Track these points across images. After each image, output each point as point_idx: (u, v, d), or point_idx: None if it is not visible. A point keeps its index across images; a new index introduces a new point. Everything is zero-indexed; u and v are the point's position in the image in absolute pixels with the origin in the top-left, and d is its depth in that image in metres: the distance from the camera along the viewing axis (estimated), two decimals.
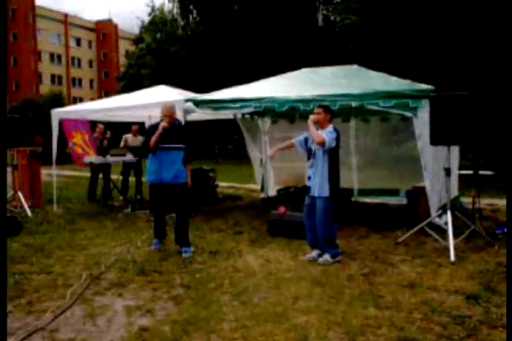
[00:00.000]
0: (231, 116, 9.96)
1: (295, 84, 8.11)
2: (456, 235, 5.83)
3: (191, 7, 31.13)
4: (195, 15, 31.39)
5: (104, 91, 60.20)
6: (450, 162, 6.32)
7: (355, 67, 8.68)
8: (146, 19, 39.14)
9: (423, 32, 14.59)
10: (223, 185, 12.38)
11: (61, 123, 9.56)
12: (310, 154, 5.65)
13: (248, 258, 5.77)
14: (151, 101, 8.69)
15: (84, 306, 4.23)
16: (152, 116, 9.78)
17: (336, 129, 5.55)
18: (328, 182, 5.46)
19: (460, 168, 8.17)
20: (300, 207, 5.97)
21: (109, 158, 9.94)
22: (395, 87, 7.08)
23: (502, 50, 12.47)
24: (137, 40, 41.46)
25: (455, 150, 7.50)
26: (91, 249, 6.28)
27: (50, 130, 9.46)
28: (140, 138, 9.93)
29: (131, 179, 10.76)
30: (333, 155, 5.50)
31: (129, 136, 10.78)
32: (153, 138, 5.79)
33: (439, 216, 6.57)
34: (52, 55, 58.80)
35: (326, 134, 5.42)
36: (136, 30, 44.33)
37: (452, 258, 5.42)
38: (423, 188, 7.07)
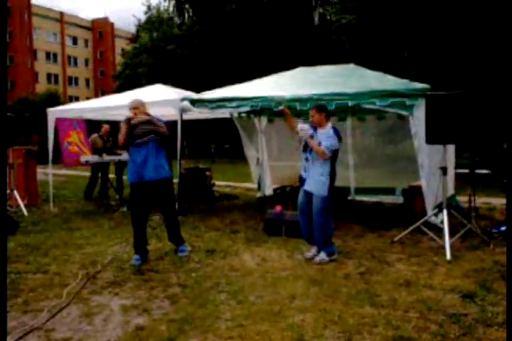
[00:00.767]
0: (227, 115, 9.95)
1: (291, 83, 8.11)
2: (452, 234, 5.84)
3: (187, 6, 31.16)
4: (191, 14, 31.40)
5: (101, 90, 60.09)
6: (446, 161, 6.34)
7: (351, 66, 8.70)
8: (143, 18, 39.24)
9: (419, 31, 14.63)
10: (220, 184, 12.38)
11: (56, 122, 9.53)
12: (306, 147, 5.60)
13: (244, 257, 5.77)
14: (147, 100, 8.64)
15: (81, 305, 4.23)
16: None
17: (335, 129, 5.51)
18: (327, 181, 5.44)
19: (456, 167, 8.19)
20: (296, 206, 5.96)
21: (106, 157, 9.93)
22: (391, 85, 7.10)
23: (498, 49, 12.50)
24: (133, 38, 41.46)
25: (451, 148, 7.52)
26: (87, 248, 6.28)
27: (46, 129, 9.45)
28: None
29: (125, 177, 10.74)
30: (333, 155, 5.48)
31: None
32: (120, 134, 5.57)
33: (435, 215, 6.59)
34: (48, 54, 58.63)
35: (326, 141, 5.36)
36: (132, 29, 44.40)
37: (448, 256, 5.43)
38: (419, 187, 7.10)
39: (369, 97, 6.83)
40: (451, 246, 5.61)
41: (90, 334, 3.64)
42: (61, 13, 60.46)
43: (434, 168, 6.56)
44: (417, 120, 6.58)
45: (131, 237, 5.70)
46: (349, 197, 9.82)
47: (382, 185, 9.72)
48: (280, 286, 4.64)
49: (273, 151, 11.01)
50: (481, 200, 8.52)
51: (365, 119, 9.80)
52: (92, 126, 11.62)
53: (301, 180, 5.69)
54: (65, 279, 4.96)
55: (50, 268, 5.38)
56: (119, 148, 9.21)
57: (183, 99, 8.25)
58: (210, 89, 9.18)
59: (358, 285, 4.63)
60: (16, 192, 9.10)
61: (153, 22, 35.52)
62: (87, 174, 11.66)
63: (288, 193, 9.29)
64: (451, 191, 7.92)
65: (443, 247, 5.66)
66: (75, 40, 62.73)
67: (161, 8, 36.38)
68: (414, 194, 7.84)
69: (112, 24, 66.05)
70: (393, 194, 9.45)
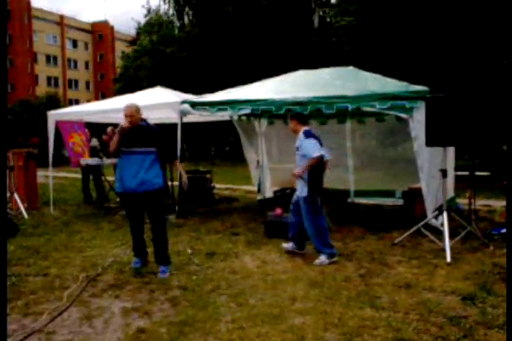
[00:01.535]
0: (227, 118, 9.96)
1: (291, 85, 8.12)
2: (452, 236, 5.85)
3: (187, 9, 31.15)
4: (190, 17, 31.42)
5: (101, 93, 60.14)
6: (446, 163, 6.35)
7: (350, 68, 8.70)
8: (143, 21, 39.27)
9: (418, 33, 14.63)
10: (220, 186, 12.39)
11: (57, 125, 9.53)
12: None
13: (245, 259, 5.77)
14: (147, 103, 8.68)
15: (81, 308, 4.23)
16: (148, 118, 9.75)
17: (306, 133, 5.62)
18: (306, 183, 5.57)
19: (456, 169, 8.19)
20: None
21: (106, 160, 9.93)
22: (391, 88, 7.11)
23: (498, 51, 12.52)
24: (133, 41, 41.52)
25: (451, 151, 7.53)
26: (87, 251, 6.28)
27: (46, 132, 9.46)
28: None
29: None
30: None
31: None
32: (112, 141, 5.20)
33: (435, 217, 6.59)
34: (48, 57, 58.67)
35: (303, 151, 5.54)
36: (132, 32, 44.46)
37: (448, 259, 5.43)
38: (419, 189, 7.10)
39: (369, 100, 6.84)
40: (452, 249, 5.61)
41: (91, 337, 3.65)
42: (61, 16, 60.51)
43: (433, 171, 6.56)
44: (417, 122, 6.59)
45: (131, 240, 5.69)
46: (349, 200, 9.82)
47: (382, 188, 9.72)
48: (280, 289, 4.64)
49: (273, 154, 11.02)
50: (480, 202, 8.53)
51: (365, 122, 9.81)
52: (94, 129, 11.60)
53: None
54: (66, 282, 4.96)
55: (51, 270, 5.38)
56: (108, 155, 9.08)
57: (183, 102, 8.26)
58: (210, 91, 9.19)
59: (359, 288, 4.64)
60: (16, 195, 9.10)
61: (153, 25, 35.57)
62: None
63: (288, 195, 9.30)
64: (451, 193, 7.92)
65: (443, 249, 5.66)
66: (75, 43, 62.78)
67: (161, 11, 36.45)
68: (414, 196, 7.84)
69: (111, 27, 66.11)
70: (393, 196, 9.45)
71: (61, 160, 11.37)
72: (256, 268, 5.37)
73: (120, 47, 59.98)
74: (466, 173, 7.66)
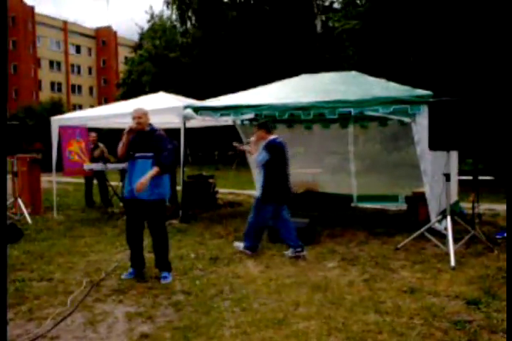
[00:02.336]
0: (230, 123, 9.97)
1: (294, 90, 8.14)
2: (456, 240, 5.83)
3: (189, 14, 31.28)
4: (193, 22, 31.54)
5: (104, 98, 60.34)
6: (449, 167, 6.34)
7: (353, 73, 8.72)
8: (146, 26, 39.39)
9: (422, 38, 14.66)
10: (223, 191, 12.39)
11: (59, 131, 9.55)
12: None
13: (248, 264, 5.77)
14: (150, 108, 8.68)
15: (85, 313, 4.23)
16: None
17: (268, 143, 6.08)
18: (261, 187, 6.11)
19: (459, 173, 8.18)
20: (299, 213, 6.00)
21: (110, 165, 9.94)
22: (394, 92, 7.11)
23: (502, 55, 12.52)
24: (137, 46, 41.65)
25: (454, 155, 7.52)
26: (91, 256, 6.28)
27: (50, 137, 9.48)
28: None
29: None
30: (268, 166, 6.06)
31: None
32: (120, 144, 5.17)
33: (439, 221, 6.58)
34: (51, 62, 58.98)
35: (258, 156, 6.12)
36: (135, 37, 44.61)
37: (452, 263, 5.42)
38: (422, 194, 7.10)
39: (372, 104, 6.85)
40: (456, 253, 5.59)
41: None
42: (64, 22, 60.87)
43: (437, 175, 6.56)
44: (420, 126, 6.59)
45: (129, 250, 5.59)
46: (352, 205, 9.82)
47: (385, 192, 9.71)
48: (284, 293, 4.63)
49: None
50: (484, 207, 8.50)
51: (368, 126, 9.82)
52: (99, 133, 11.60)
53: None
54: (69, 287, 4.96)
55: (55, 275, 5.38)
56: (118, 160, 9.04)
57: (186, 107, 8.27)
58: (213, 96, 9.21)
59: (362, 292, 4.63)
60: (20, 200, 9.11)
61: (156, 30, 35.67)
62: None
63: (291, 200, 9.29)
64: (454, 197, 7.91)
65: (447, 254, 5.65)
66: (78, 49, 63.09)
67: (164, 17, 36.56)
68: (417, 201, 7.83)
69: (115, 32, 66.43)
70: (396, 201, 9.44)
71: (62, 167, 11.37)
72: (259, 273, 5.37)
73: (123, 53, 60.21)
74: (470, 177, 7.64)
